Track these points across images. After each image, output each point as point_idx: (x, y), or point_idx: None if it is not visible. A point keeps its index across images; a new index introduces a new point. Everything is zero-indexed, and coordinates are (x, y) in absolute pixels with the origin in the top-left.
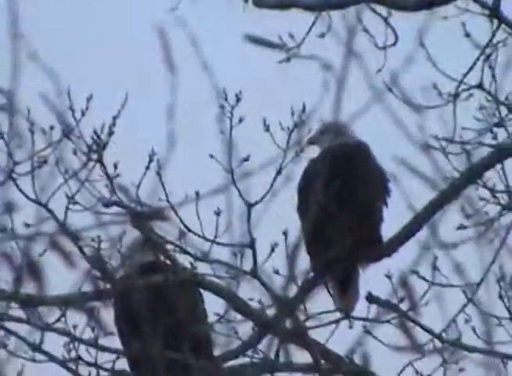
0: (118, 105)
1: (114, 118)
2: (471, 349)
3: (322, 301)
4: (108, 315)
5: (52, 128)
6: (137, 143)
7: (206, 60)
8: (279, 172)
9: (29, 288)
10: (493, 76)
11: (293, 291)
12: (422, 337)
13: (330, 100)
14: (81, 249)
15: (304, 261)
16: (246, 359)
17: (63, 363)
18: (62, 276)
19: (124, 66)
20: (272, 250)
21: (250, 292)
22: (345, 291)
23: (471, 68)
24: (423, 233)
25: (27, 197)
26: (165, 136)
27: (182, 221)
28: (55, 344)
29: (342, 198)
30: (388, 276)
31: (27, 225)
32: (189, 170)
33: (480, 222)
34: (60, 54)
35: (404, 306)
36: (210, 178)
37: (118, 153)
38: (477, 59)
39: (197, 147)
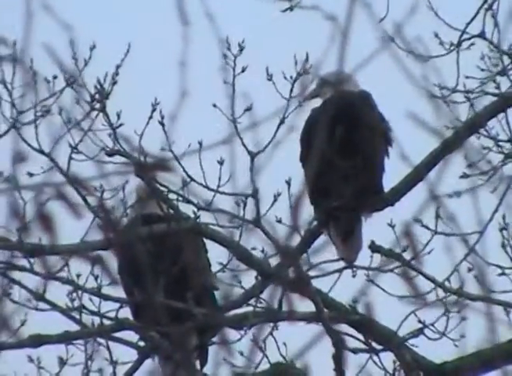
0: (122, 54)
1: (117, 67)
2: (474, 298)
3: (325, 250)
4: (113, 264)
5: (55, 77)
6: (140, 93)
7: (210, 10)
8: (282, 122)
9: (35, 238)
10: (495, 25)
11: (296, 240)
12: (425, 286)
13: (335, 50)
14: (84, 198)
15: (307, 210)
16: (249, 309)
17: (66, 312)
18: (66, 227)
19: (127, 16)
20: (275, 199)
21: (253, 241)
22: (348, 239)
23: (474, 17)
24: (426, 183)
25: (30, 146)
26: (177, 89)
27: (185, 170)
28: (58, 293)
29: (344, 147)
30: (391, 226)
31: (31, 175)
32: (193, 120)
33: (483, 171)
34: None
35: (407, 255)
36: (213, 127)
37: (121, 103)
38: (480, 8)
39: (201, 97)
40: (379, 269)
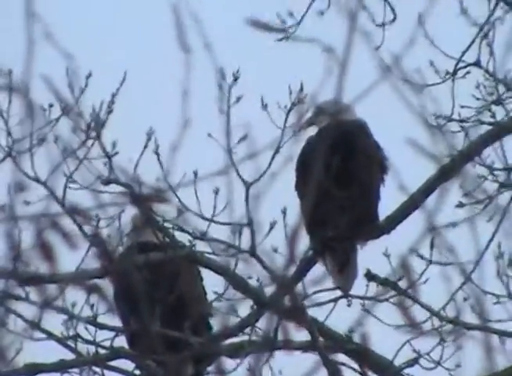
0: (117, 83)
1: (113, 96)
2: (470, 327)
3: (320, 279)
4: (109, 292)
5: (51, 105)
6: (136, 122)
7: (207, 39)
8: (277, 151)
9: (31, 266)
10: (491, 54)
11: (292, 269)
12: (421, 315)
13: (332, 80)
14: (80, 227)
15: (303, 239)
16: (245, 337)
17: (61, 341)
18: (61, 255)
19: (124, 45)
20: (271, 228)
21: (248, 270)
22: (343, 268)
23: (470, 46)
24: (421, 212)
25: (26, 174)
26: (179, 118)
27: (180, 200)
28: (54, 322)
29: (340, 176)
30: (386, 255)
31: (27, 203)
32: (189, 149)
33: (479, 200)
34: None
35: (403, 284)
36: (209, 157)
37: (117, 132)
38: (476, 36)
39: (197, 127)
40: (375, 299)
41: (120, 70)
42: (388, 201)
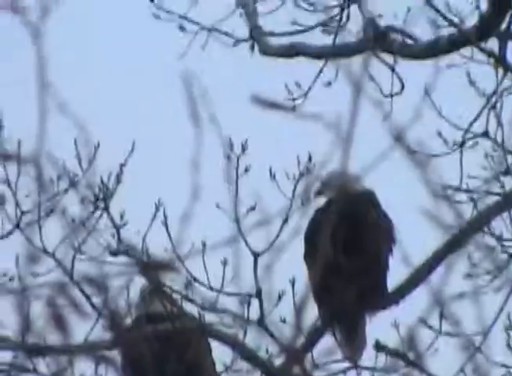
0: (125, 153)
1: (121, 166)
2: None
3: (329, 349)
4: (118, 363)
5: (59, 177)
6: (144, 192)
7: (213, 112)
8: (285, 221)
9: (39, 338)
10: (499, 124)
11: (300, 339)
12: None
13: (338, 154)
14: (89, 298)
15: (311, 309)
16: None
17: None
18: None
19: (131, 114)
20: (279, 298)
21: (257, 341)
22: (352, 339)
23: (477, 116)
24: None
25: (33, 246)
26: (189, 190)
27: (188, 271)
28: None
29: (349, 247)
30: (395, 325)
31: (36, 275)
32: (197, 220)
33: (488, 271)
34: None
35: (412, 355)
36: (217, 228)
37: (125, 202)
38: (484, 107)
39: (205, 197)
40: (384, 370)
41: (129, 140)
42: (396, 272)
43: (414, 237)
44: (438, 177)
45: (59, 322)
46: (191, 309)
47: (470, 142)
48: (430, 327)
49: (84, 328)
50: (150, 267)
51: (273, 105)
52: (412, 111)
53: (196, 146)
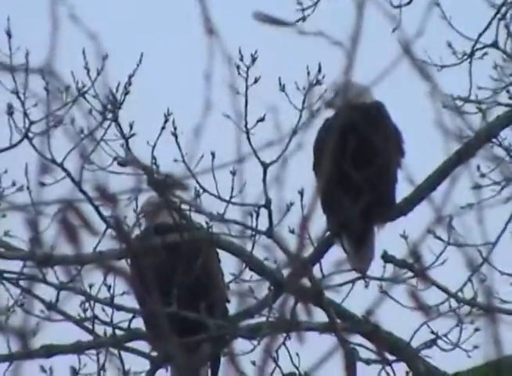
0: (134, 64)
1: (130, 77)
2: (487, 308)
3: (337, 260)
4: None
5: (68, 87)
6: (153, 103)
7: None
8: (295, 132)
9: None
10: (508, 35)
11: (308, 250)
12: (438, 296)
13: (344, 65)
14: (98, 209)
15: (320, 220)
16: (262, 319)
17: (79, 323)
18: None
19: (140, 26)
20: (288, 209)
21: (265, 252)
22: (361, 250)
23: (487, 27)
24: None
25: (42, 156)
26: (201, 101)
27: (197, 181)
28: (71, 303)
29: (358, 158)
30: (404, 236)
31: (43, 185)
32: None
33: (496, 182)
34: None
35: (416, 266)
36: (226, 138)
37: (134, 113)
38: (493, 18)
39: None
40: (392, 280)
41: (138, 51)
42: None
43: (422, 149)
44: (446, 88)
45: (71, 233)
46: (200, 219)
47: (480, 53)
48: (440, 238)
49: (93, 241)
50: (159, 180)
51: (276, 21)
52: (421, 22)
53: (209, 57)
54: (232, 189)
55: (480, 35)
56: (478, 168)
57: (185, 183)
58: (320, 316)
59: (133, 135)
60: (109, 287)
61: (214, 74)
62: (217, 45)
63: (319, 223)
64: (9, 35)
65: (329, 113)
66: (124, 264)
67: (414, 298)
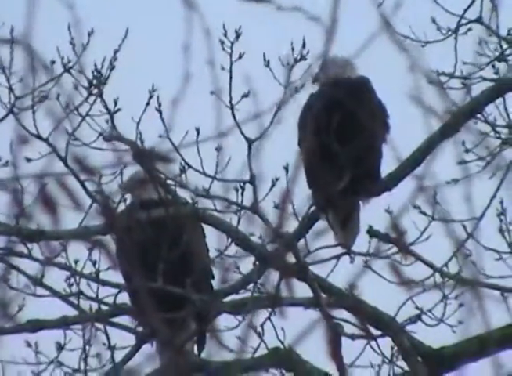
0: (119, 40)
1: (115, 53)
2: (472, 283)
3: (322, 235)
4: (112, 248)
5: (53, 62)
6: (138, 79)
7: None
8: (279, 108)
9: (34, 223)
10: (494, 10)
11: (292, 225)
12: (423, 271)
13: (324, 39)
14: (83, 184)
15: (305, 195)
16: (247, 294)
17: (64, 298)
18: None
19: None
20: (273, 185)
21: (250, 227)
22: (346, 225)
23: (473, 2)
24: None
25: (28, 131)
26: (180, 73)
27: (182, 157)
28: (56, 278)
29: (343, 133)
30: (388, 211)
31: (29, 160)
32: (191, 107)
33: (481, 157)
34: None
35: (404, 240)
36: (211, 114)
37: (119, 89)
38: None
39: (199, 84)
40: (377, 255)
41: (123, 26)
42: (389, 158)
43: (405, 125)
44: (429, 63)
45: (50, 206)
46: (185, 195)
47: (464, 29)
48: (424, 213)
49: (78, 215)
50: (144, 155)
51: None
52: None
53: (187, 29)
54: (217, 164)
55: (465, 11)
56: (463, 143)
57: (169, 157)
58: (305, 291)
59: (118, 110)
60: (94, 263)
61: (192, 46)
62: (196, 18)
63: (303, 198)
64: None
65: (314, 88)
66: (108, 239)
67: (396, 272)
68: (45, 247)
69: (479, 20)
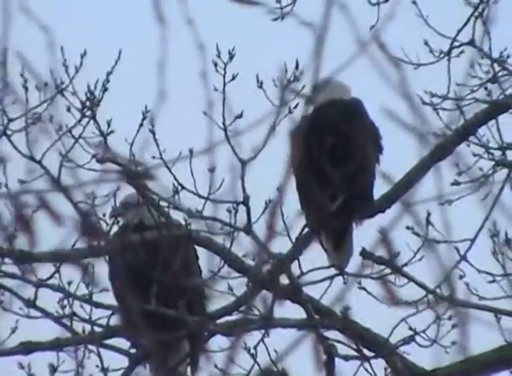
0: (112, 62)
1: (108, 74)
2: (465, 305)
3: (316, 256)
4: (102, 270)
5: (46, 84)
6: (131, 100)
7: (191, 15)
8: (272, 129)
9: (22, 244)
10: (486, 33)
11: (288, 247)
12: (416, 292)
13: (311, 56)
14: (75, 205)
15: (298, 217)
16: (240, 315)
17: (57, 320)
18: (54, 232)
19: (118, 23)
20: (266, 206)
21: (244, 248)
22: (339, 246)
23: (465, 24)
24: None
25: (20, 153)
26: (156, 92)
27: (175, 178)
28: (49, 300)
29: (336, 154)
30: (382, 232)
31: (22, 182)
32: (183, 127)
33: (474, 179)
34: (54, 10)
35: (397, 262)
36: (203, 135)
37: (112, 110)
38: (471, 15)
39: (190, 104)
40: (370, 276)
41: (115, 48)
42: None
43: (400, 145)
44: (424, 86)
45: (25, 224)
46: (178, 216)
47: (457, 51)
48: (417, 234)
49: (65, 236)
50: (136, 176)
51: (250, 2)
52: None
53: (162, 46)
54: (210, 186)
55: (457, 33)
56: (457, 165)
57: (158, 176)
58: (298, 312)
59: (111, 132)
60: (87, 285)
61: (167, 62)
62: (192, 35)
63: (297, 220)
64: None
65: (308, 109)
66: (99, 261)
67: (387, 291)
68: (38, 269)
69: (471, 43)
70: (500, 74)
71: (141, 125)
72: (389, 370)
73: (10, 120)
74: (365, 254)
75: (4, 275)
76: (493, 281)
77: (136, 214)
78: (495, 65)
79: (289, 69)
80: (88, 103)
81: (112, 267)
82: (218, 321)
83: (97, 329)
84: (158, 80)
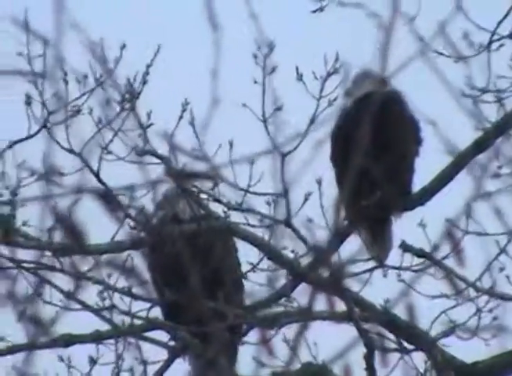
0: (152, 54)
1: (147, 67)
2: (505, 297)
3: (356, 249)
4: (142, 265)
5: (85, 77)
6: (171, 93)
7: (252, 10)
8: (312, 121)
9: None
10: None
11: (327, 239)
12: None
13: (373, 49)
14: (116, 199)
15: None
16: (280, 308)
17: (97, 312)
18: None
19: (159, 16)
20: (306, 199)
21: (283, 241)
22: (379, 239)
23: (504, 18)
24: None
25: (61, 146)
26: (209, 97)
27: (216, 171)
28: (89, 292)
29: (376, 147)
30: (422, 225)
31: (62, 174)
32: (223, 118)
33: None
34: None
35: (437, 255)
36: (245, 127)
37: (152, 103)
38: (510, 9)
39: (234, 96)
40: (410, 269)
41: (155, 42)
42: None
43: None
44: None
45: (73, 232)
46: (217, 208)
47: (496, 45)
48: (458, 227)
49: (110, 228)
50: (179, 169)
51: None
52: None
53: (215, 52)
54: (250, 178)
55: (497, 26)
56: (497, 157)
57: (209, 174)
58: (338, 305)
59: (151, 124)
60: (127, 277)
61: (220, 69)
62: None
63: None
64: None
65: (348, 101)
66: (139, 254)
67: (450, 281)
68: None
69: (511, 36)
70: None
71: (181, 118)
72: (429, 362)
73: (50, 113)
74: (404, 247)
75: (44, 267)
76: None
77: (176, 206)
78: None
79: (330, 61)
80: (127, 96)
81: (152, 259)
82: (257, 314)
83: (137, 321)
84: (211, 86)
